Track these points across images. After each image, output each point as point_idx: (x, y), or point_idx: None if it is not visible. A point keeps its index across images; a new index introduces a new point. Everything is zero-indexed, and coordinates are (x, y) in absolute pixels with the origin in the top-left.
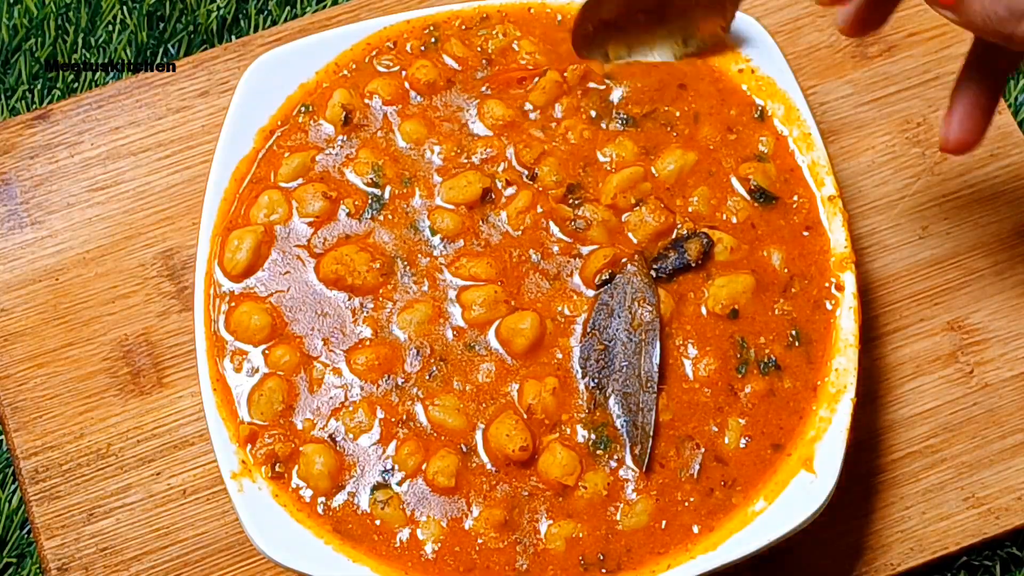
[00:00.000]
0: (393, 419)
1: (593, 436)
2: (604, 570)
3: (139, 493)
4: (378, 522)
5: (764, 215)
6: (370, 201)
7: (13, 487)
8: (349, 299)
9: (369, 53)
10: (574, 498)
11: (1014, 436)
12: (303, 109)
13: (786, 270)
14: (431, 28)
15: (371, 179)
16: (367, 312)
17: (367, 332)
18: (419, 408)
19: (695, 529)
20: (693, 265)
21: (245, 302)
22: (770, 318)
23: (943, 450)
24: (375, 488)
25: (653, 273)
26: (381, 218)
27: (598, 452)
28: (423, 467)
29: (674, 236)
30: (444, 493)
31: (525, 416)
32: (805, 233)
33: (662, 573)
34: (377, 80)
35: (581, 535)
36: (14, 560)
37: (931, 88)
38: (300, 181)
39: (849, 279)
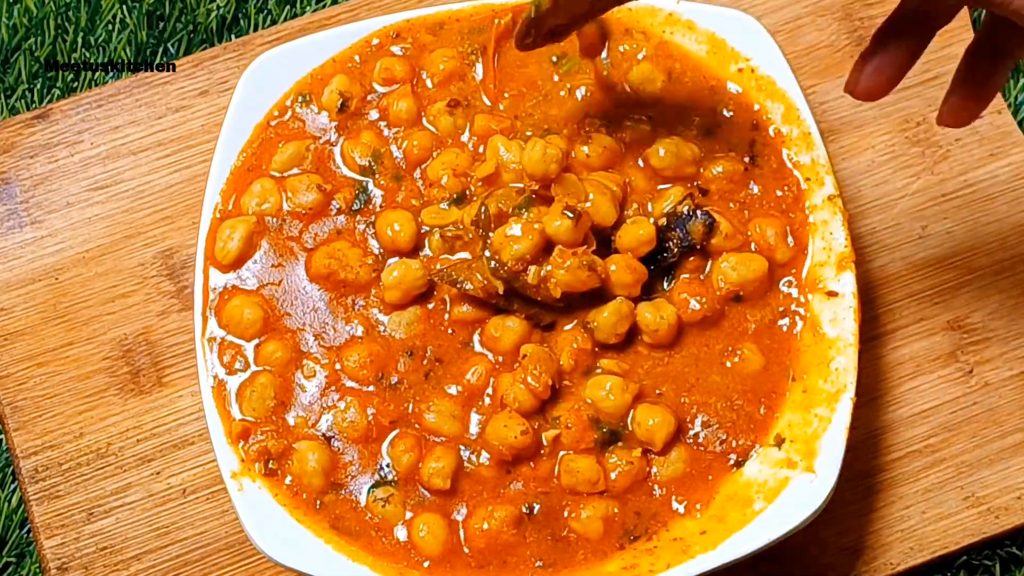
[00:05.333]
0: (385, 417)
1: (599, 435)
2: (634, 536)
3: (139, 492)
4: (378, 519)
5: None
6: (357, 194)
7: (13, 486)
8: (341, 295)
9: (367, 44)
10: (609, 483)
11: (1014, 436)
12: (301, 99)
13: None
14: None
15: (368, 163)
16: (359, 309)
17: (359, 329)
18: (412, 407)
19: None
20: (698, 247)
21: (237, 295)
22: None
23: (943, 449)
24: (374, 486)
25: (660, 259)
26: (366, 213)
27: (610, 448)
28: (419, 466)
29: (674, 212)
30: (439, 495)
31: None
32: (779, 193)
33: (661, 572)
34: (390, 59)
35: (615, 510)
36: (14, 560)
37: (931, 88)
38: (295, 171)
39: (849, 279)
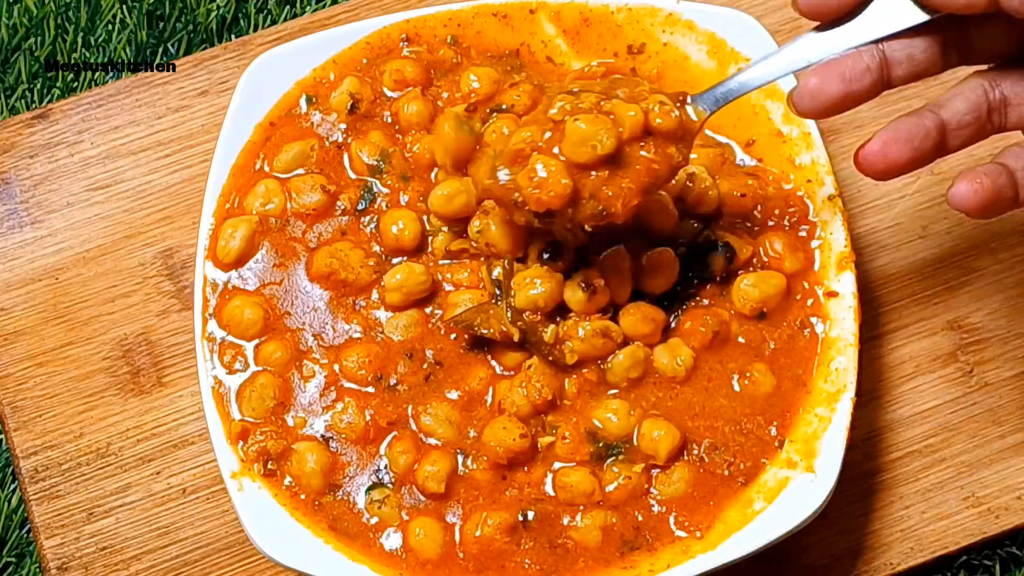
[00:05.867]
0: (383, 418)
1: (595, 448)
2: (632, 548)
3: (139, 492)
4: (374, 520)
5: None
6: (362, 194)
7: (13, 486)
8: (342, 295)
9: (372, 49)
10: (605, 496)
11: (1014, 436)
12: (307, 99)
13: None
14: (452, 38)
15: (376, 162)
16: (359, 310)
17: (359, 330)
18: (410, 410)
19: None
20: (716, 280)
21: (238, 295)
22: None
23: (942, 449)
24: (371, 488)
25: (678, 291)
26: (371, 213)
27: (608, 461)
28: (415, 467)
29: (694, 242)
30: (435, 498)
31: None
32: (789, 185)
33: (661, 572)
34: (400, 61)
35: (614, 520)
36: (13, 560)
37: (931, 88)
38: (300, 171)
39: (848, 279)
